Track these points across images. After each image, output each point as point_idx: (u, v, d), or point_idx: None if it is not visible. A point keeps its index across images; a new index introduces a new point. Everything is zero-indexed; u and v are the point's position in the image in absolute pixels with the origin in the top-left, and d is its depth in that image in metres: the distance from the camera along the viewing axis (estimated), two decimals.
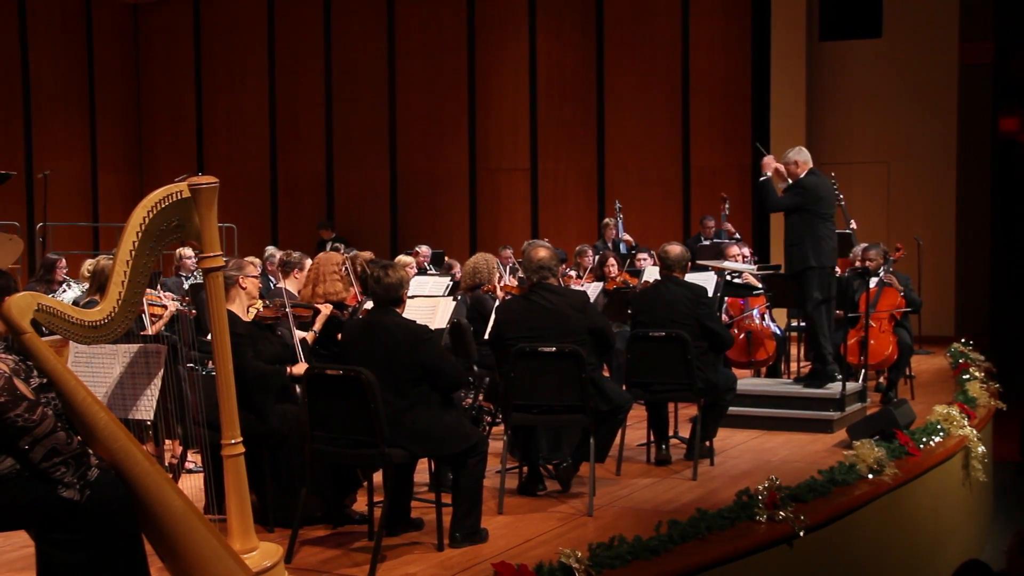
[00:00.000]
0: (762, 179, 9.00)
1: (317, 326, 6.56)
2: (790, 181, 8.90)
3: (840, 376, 8.80)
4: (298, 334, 6.39)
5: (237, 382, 4.65)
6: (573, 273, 11.23)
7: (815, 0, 16.00)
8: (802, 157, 8.88)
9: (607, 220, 14.32)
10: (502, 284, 8.25)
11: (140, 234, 4.38)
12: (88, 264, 8.20)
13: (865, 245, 10.63)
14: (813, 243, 8.67)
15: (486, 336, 7.31)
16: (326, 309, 6.63)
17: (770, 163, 8.97)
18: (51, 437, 4.05)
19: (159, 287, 8.32)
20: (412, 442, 5.41)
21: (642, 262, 11.07)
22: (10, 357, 4.16)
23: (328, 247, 15.06)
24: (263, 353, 5.92)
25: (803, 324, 10.62)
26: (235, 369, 4.67)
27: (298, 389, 5.97)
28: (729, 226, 13.90)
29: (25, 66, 18.20)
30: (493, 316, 6.99)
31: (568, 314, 6.39)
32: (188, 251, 10.52)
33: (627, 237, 14.01)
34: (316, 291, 6.96)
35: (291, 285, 7.27)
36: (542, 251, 6.56)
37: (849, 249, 11.09)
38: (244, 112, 19.60)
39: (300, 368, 6.00)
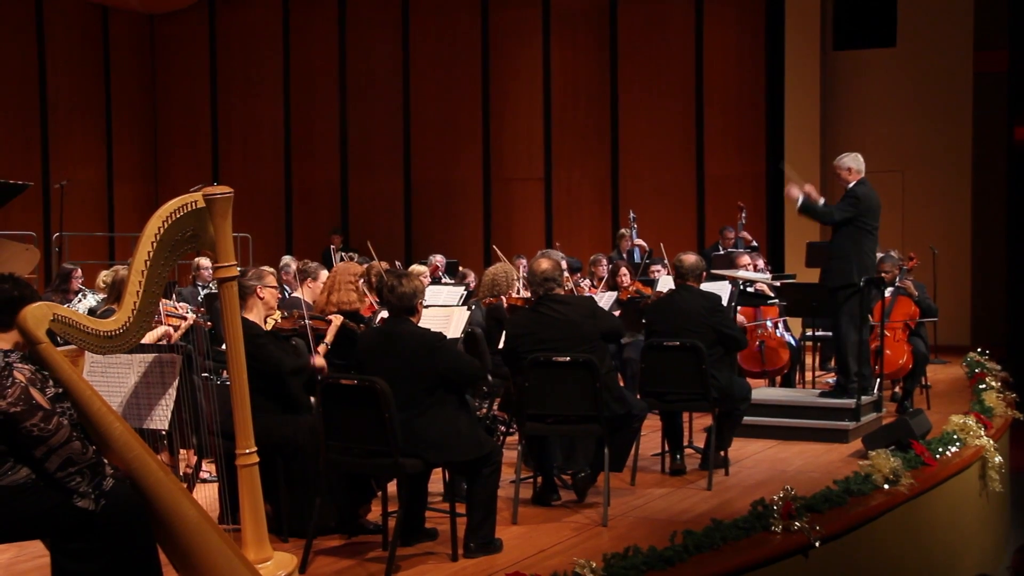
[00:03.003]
0: (798, 206, 8.74)
1: (329, 338, 6.56)
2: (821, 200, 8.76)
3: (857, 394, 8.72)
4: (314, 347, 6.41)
5: (273, 382, 4.65)
6: (586, 283, 11.22)
7: (829, 9, 15.99)
8: (856, 165, 8.68)
9: (623, 230, 14.32)
10: (508, 297, 8.19)
11: (155, 244, 4.40)
12: (104, 274, 8.23)
13: (880, 256, 10.58)
14: (859, 259, 8.54)
15: (500, 346, 7.31)
16: (337, 320, 6.64)
17: (792, 191, 8.83)
18: (66, 447, 4.06)
19: (174, 296, 8.34)
20: (427, 449, 5.41)
21: (656, 273, 11.05)
22: (27, 367, 4.17)
23: (339, 257, 15.05)
24: None
25: (819, 334, 10.59)
26: (268, 368, 4.66)
27: (312, 399, 5.99)
28: (746, 235, 13.88)
29: (42, 77, 18.30)
30: (505, 330, 6.98)
31: (579, 322, 6.39)
32: (205, 261, 10.55)
33: (640, 242, 14.00)
34: (330, 299, 6.98)
35: (305, 294, 7.28)
36: (544, 263, 6.57)
37: None
38: (259, 122, 19.66)
39: (319, 360, 6.07)
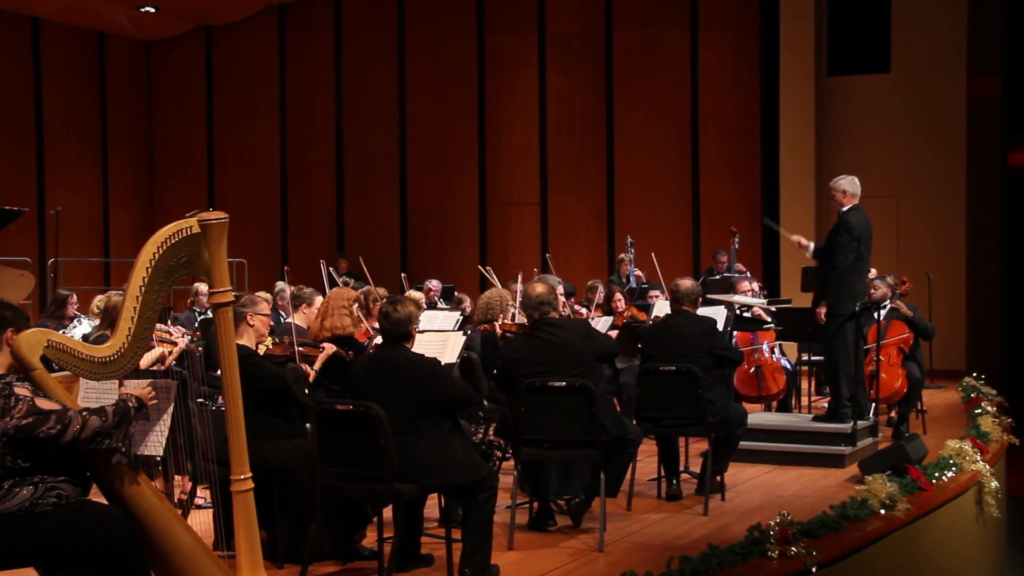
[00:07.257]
0: (811, 256, 8.95)
1: (317, 365, 6.54)
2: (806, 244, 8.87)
3: (851, 418, 8.70)
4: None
5: (275, 397, 4.66)
6: (584, 309, 11.20)
7: (823, 35, 16.06)
8: (852, 188, 8.67)
9: (622, 256, 14.33)
10: (501, 323, 8.08)
11: (150, 270, 4.40)
12: (98, 299, 8.20)
13: (872, 277, 10.58)
14: (853, 287, 8.59)
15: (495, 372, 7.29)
16: (329, 349, 6.63)
17: (802, 240, 9.00)
18: (86, 428, 4.17)
19: (169, 322, 8.32)
20: (422, 475, 5.39)
21: (654, 298, 11.06)
22: (26, 384, 4.24)
23: (340, 281, 15.03)
24: None
25: (815, 359, 10.58)
26: (268, 383, 4.67)
27: (308, 425, 5.97)
28: (740, 266, 13.88)
29: (38, 102, 18.32)
30: (500, 356, 6.95)
31: (575, 344, 6.39)
32: (204, 287, 10.52)
33: (638, 273, 14.01)
34: (324, 324, 6.97)
35: (300, 320, 7.27)
36: (539, 287, 6.57)
37: None
38: (255, 147, 19.69)
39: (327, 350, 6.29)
